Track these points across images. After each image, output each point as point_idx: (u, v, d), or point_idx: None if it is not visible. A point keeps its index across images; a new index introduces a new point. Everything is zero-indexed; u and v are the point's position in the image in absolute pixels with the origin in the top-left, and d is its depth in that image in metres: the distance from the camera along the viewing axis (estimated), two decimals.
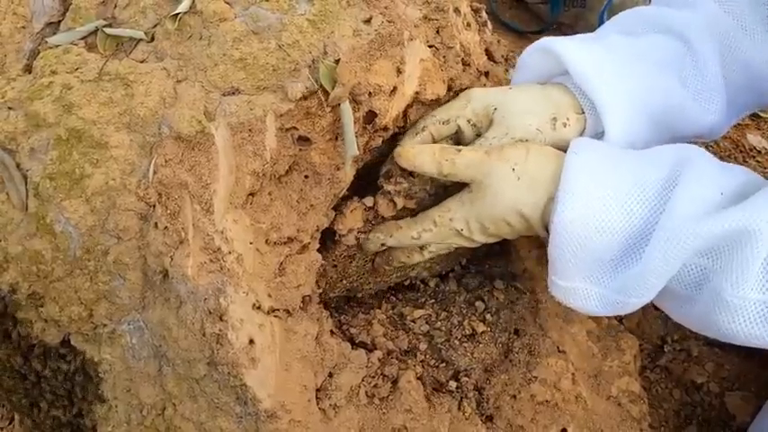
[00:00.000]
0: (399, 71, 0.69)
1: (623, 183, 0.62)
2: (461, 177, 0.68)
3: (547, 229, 0.66)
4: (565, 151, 0.67)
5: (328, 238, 0.75)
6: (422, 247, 0.75)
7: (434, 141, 0.74)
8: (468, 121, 0.74)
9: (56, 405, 0.67)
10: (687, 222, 0.58)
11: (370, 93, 0.67)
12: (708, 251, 0.59)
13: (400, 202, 0.73)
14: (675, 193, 0.60)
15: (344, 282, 0.79)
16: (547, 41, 0.76)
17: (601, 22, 1.39)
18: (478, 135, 0.74)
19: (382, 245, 0.74)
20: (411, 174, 0.71)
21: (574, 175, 0.62)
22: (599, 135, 0.73)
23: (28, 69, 0.68)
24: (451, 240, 0.72)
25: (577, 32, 1.45)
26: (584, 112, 0.73)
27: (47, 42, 0.68)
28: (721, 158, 1.30)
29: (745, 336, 0.58)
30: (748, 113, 0.87)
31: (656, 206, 0.61)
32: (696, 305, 0.61)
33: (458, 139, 0.75)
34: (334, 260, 0.77)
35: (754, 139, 1.29)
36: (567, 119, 0.72)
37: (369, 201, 0.74)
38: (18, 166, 0.62)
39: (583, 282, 0.65)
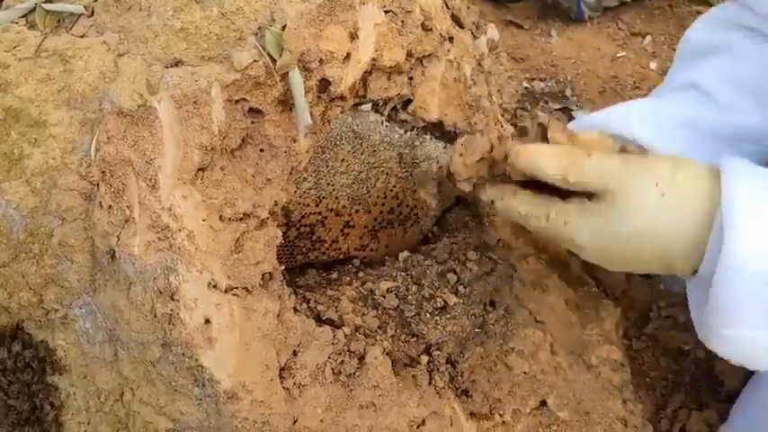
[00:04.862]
0: (352, 36, 0.66)
1: None
2: (590, 187, 0.57)
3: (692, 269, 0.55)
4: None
5: None
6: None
7: None
8: None
9: (13, 395, 0.65)
10: None
11: (321, 60, 0.64)
12: None
13: None
14: None
15: None
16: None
17: None
18: None
19: (492, 201, 0.66)
20: None
21: (743, 198, 0.51)
22: None
23: None
24: (554, 239, 0.63)
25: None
26: None
27: None
28: None
29: None
30: None
31: None
32: None
33: None
34: None
35: None
36: None
37: None
38: None
39: (760, 330, 0.52)
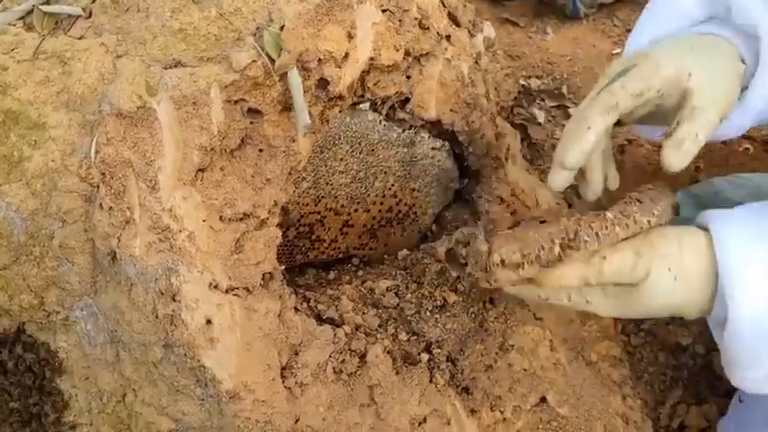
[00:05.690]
0: (350, 36, 0.67)
1: None
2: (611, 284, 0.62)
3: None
4: None
5: None
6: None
7: (624, 119, 0.67)
8: (658, 91, 0.66)
9: (15, 397, 0.65)
10: None
11: (319, 59, 0.64)
12: None
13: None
14: None
15: None
16: None
17: None
18: (658, 105, 0.67)
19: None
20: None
21: (737, 268, 0.58)
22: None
23: None
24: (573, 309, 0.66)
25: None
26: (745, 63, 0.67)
27: None
28: None
29: None
30: None
31: None
32: None
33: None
34: None
35: None
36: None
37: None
38: None
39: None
